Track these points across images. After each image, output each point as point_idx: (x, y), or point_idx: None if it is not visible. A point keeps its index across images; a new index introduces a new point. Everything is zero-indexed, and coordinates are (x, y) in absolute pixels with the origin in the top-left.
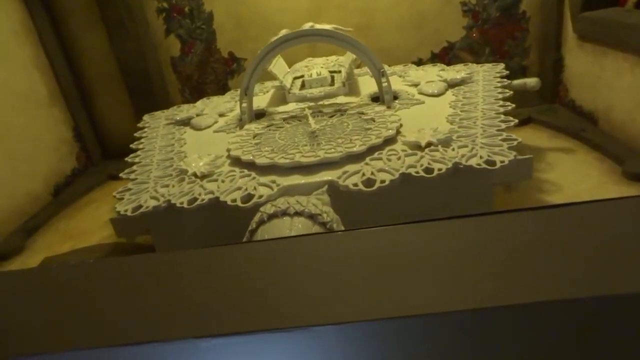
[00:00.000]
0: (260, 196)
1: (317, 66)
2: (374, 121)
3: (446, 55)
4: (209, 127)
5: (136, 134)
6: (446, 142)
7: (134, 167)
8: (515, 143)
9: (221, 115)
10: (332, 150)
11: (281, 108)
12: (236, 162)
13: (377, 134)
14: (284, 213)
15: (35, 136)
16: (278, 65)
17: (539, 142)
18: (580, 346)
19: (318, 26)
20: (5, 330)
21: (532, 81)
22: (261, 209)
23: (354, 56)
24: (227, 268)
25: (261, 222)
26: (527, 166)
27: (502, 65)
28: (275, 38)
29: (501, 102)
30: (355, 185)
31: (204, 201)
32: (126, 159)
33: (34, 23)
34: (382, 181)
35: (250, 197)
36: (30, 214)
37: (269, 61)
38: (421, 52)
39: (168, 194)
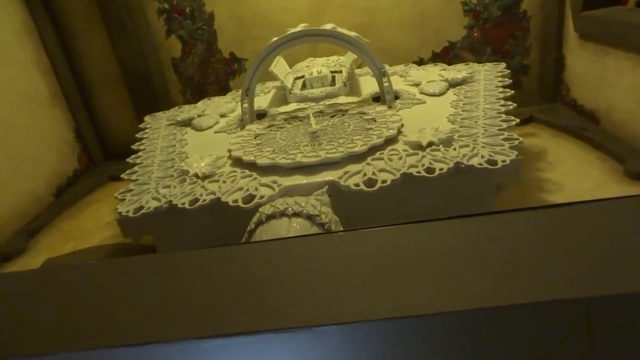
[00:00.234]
0: (262, 197)
1: (317, 65)
2: (375, 121)
3: (447, 55)
4: (210, 127)
5: (137, 135)
6: (447, 142)
7: (136, 168)
8: (516, 142)
9: (222, 115)
10: (334, 150)
11: (282, 108)
12: (237, 162)
13: (378, 133)
14: (282, 214)
15: (37, 137)
16: (279, 66)
17: (540, 142)
18: (582, 346)
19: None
20: (8, 331)
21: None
22: (260, 209)
23: (355, 56)
24: (229, 268)
25: (260, 223)
26: (515, 167)
27: (503, 65)
28: (276, 38)
29: (502, 102)
30: (357, 185)
31: (206, 202)
32: (127, 159)
33: (35, 24)
34: (384, 181)
35: (251, 197)
36: (32, 214)
37: (270, 61)
38: (422, 51)
39: (169, 194)
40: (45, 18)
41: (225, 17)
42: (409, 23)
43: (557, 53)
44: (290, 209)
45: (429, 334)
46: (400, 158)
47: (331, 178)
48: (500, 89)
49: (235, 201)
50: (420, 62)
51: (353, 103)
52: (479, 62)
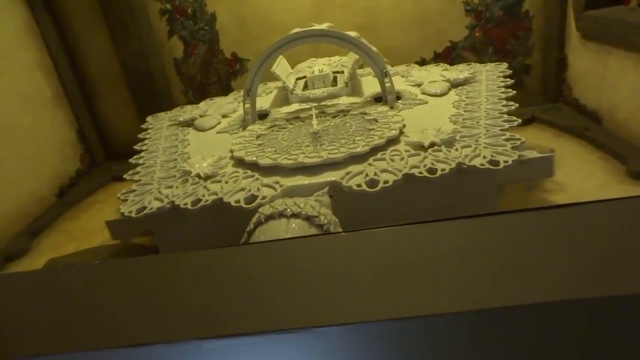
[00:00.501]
0: (264, 197)
1: (319, 64)
2: (377, 121)
3: (449, 55)
4: (212, 128)
5: (140, 135)
6: (449, 142)
7: (138, 169)
8: (518, 143)
9: (224, 116)
10: (335, 150)
11: (284, 109)
12: (239, 163)
13: (380, 134)
14: (281, 215)
15: (40, 137)
16: (281, 66)
17: (542, 142)
18: (585, 347)
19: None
20: (10, 331)
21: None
22: (259, 209)
23: (357, 56)
24: (231, 269)
25: (259, 223)
26: (548, 164)
27: (505, 65)
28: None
29: (504, 102)
30: (359, 185)
31: (208, 202)
32: (130, 160)
33: (37, 25)
34: (386, 182)
35: (253, 198)
36: (35, 215)
37: (272, 62)
38: (424, 51)
39: (172, 195)
40: (47, 19)
41: (227, 18)
42: (411, 23)
43: (559, 53)
44: (289, 209)
45: (431, 334)
46: (402, 158)
47: (333, 179)
48: (502, 89)
49: (238, 202)
50: (422, 62)
51: (355, 103)
52: (480, 62)
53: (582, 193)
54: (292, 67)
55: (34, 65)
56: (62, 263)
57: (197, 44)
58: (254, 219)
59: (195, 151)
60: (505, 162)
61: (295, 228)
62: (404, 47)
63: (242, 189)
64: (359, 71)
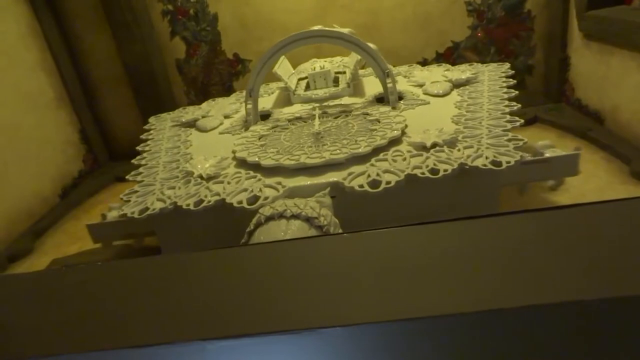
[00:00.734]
0: (266, 198)
1: (321, 63)
2: (379, 122)
3: (451, 55)
4: (215, 128)
5: (142, 136)
6: (452, 143)
7: (141, 169)
8: (521, 143)
9: (226, 116)
10: (338, 151)
11: (286, 109)
12: (242, 163)
13: (382, 134)
14: (281, 215)
15: (43, 138)
16: (283, 67)
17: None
18: (587, 349)
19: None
20: (15, 332)
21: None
22: (260, 210)
23: (359, 57)
24: (235, 270)
25: (259, 224)
26: (574, 162)
27: (507, 65)
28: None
29: (507, 102)
30: (361, 186)
31: (210, 203)
32: (132, 161)
33: (40, 26)
34: (388, 182)
35: (256, 198)
36: (38, 215)
37: (274, 62)
38: (426, 52)
39: (174, 195)
40: (50, 20)
41: (229, 19)
42: (413, 23)
43: (561, 53)
44: (288, 210)
45: (434, 335)
46: (404, 159)
47: (335, 179)
48: (505, 90)
49: (240, 202)
50: (424, 63)
51: (357, 104)
52: (483, 63)
53: (585, 194)
54: (294, 67)
55: (37, 66)
56: (65, 263)
57: (199, 44)
58: (254, 220)
59: (198, 152)
60: (508, 162)
61: (295, 229)
62: (406, 48)
63: (245, 190)
64: (360, 71)
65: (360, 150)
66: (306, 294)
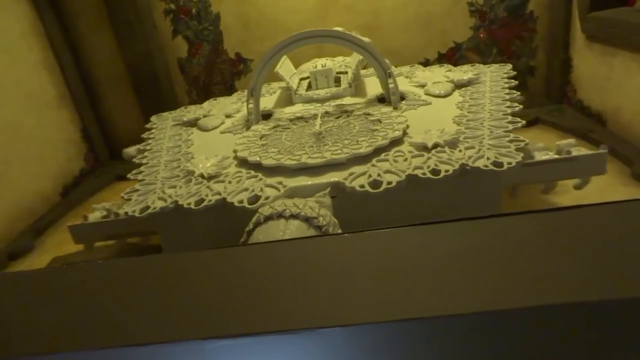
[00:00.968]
0: (267, 197)
1: (322, 60)
2: (381, 122)
3: (453, 56)
4: (216, 128)
5: (143, 135)
6: (453, 144)
7: (142, 168)
8: (522, 144)
9: (228, 116)
10: (339, 151)
11: (288, 109)
12: (243, 163)
13: (383, 135)
14: (280, 215)
15: (45, 137)
16: (285, 67)
17: (546, 143)
18: (589, 350)
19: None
20: (15, 329)
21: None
22: (259, 210)
23: (361, 57)
24: (235, 269)
25: (258, 224)
26: (601, 161)
27: (509, 66)
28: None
29: (508, 103)
30: (362, 186)
31: (211, 202)
32: (134, 159)
33: (43, 25)
34: (389, 182)
35: (256, 198)
36: (39, 214)
37: (275, 62)
38: (428, 52)
39: (175, 194)
40: (53, 20)
41: (231, 18)
42: (415, 24)
43: (563, 54)
44: (287, 210)
45: (434, 336)
46: (406, 159)
47: (336, 179)
48: (506, 91)
49: (241, 202)
50: (426, 63)
51: (358, 104)
52: (485, 63)
53: (586, 195)
54: (296, 67)
55: (39, 65)
56: (65, 262)
57: (201, 44)
58: (254, 219)
59: (199, 151)
60: (509, 163)
61: (294, 229)
62: (408, 48)
63: (246, 189)
64: (362, 71)
65: (361, 150)
66: (306, 294)
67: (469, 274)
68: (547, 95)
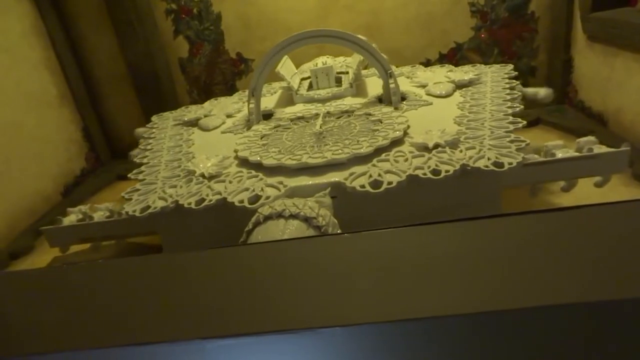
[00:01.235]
0: (268, 197)
1: (322, 58)
2: (381, 122)
3: (454, 56)
4: (217, 128)
5: (144, 135)
6: (454, 144)
7: (142, 168)
8: (523, 145)
9: (229, 116)
10: (339, 151)
11: (288, 109)
12: (244, 163)
13: (384, 135)
14: (279, 215)
15: (45, 136)
16: (286, 66)
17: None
18: (589, 351)
19: None
20: (16, 329)
21: (544, 92)
22: (258, 210)
23: (362, 57)
24: (235, 269)
25: (257, 223)
26: (624, 158)
27: (510, 66)
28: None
29: (509, 104)
30: (362, 186)
31: (212, 202)
32: (134, 159)
33: (44, 25)
34: (389, 183)
35: (257, 198)
36: (40, 213)
37: (276, 62)
38: (429, 52)
39: (176, 194)
40: (54, 19)
41: (232, 18)
42: (415, 24)
43: (565, 54)
44: (287, 210)
45: (434, 336)
46: (406, 160)
47: (337, 179)
48: (508, 91)
49: (241, 202)
50: (427, 63)
51: (359, 104)
52: (486, 64)
53: (587, 195)
54: (297, 67)
55: (40, 65)
56: (66, 261)
57: (202, 43)
58: (253, 219)
59: (200, 151)
60: (510, 164)
61: (293, 229)
62: (409, 48)
63: (246, 189)
64: (363, 72)
65: (362, 150)
66: (306, 293)
67: (469, 274)
68: None
